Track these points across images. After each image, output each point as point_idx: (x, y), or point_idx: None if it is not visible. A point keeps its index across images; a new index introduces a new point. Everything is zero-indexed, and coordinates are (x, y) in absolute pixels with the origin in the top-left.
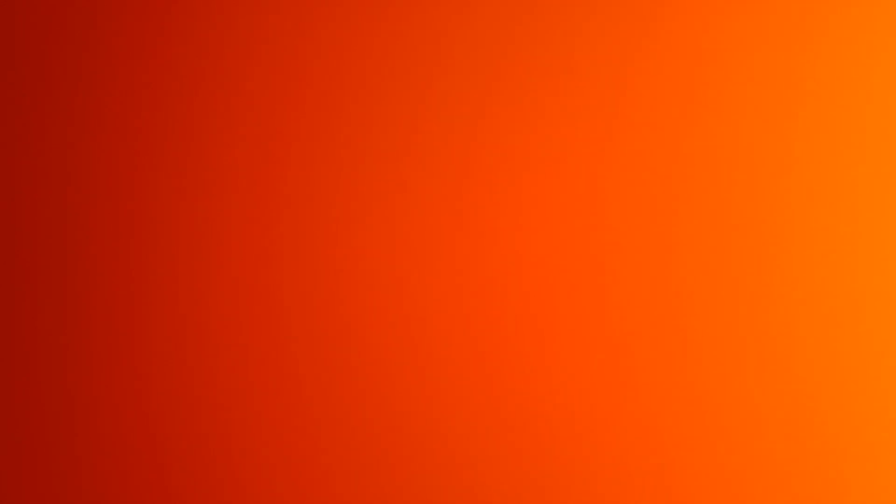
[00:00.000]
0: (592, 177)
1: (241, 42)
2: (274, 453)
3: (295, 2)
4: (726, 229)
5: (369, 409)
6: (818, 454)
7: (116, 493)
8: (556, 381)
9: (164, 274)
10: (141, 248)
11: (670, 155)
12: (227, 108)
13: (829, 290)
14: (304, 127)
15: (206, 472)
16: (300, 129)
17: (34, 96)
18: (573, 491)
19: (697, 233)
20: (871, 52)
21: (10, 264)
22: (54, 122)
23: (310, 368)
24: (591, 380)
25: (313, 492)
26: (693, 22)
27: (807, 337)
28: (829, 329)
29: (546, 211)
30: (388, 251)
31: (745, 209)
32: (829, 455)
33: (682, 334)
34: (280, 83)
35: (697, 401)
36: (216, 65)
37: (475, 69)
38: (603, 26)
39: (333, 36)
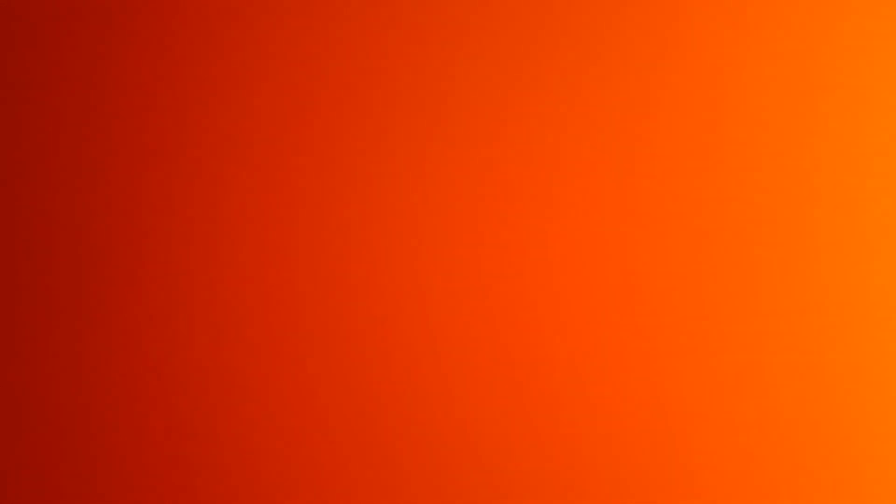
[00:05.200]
0: (604, 176)
1: (252, 38)
2: (280, 453)
3: (306, 1)
4: (739, 230)
5: (377, 410)
6: (831, 455)
7: (118, 493)
8: (569, 381)
9: (169, 274)
10: (144, 247)
11: (683, 155)
12: (236, 106)
13: (840, 292)
14: (313, 128)
15: (209, 473)
16: (309, 130)
17: (41, 96)
18: (584, 492)
19: (710, 233)
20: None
21: (13, 264)
22: (59, 123)
23: (319, 368)
24: (605, 381)
25: (321, 493)
26: (712, 25)
27: (821, 338)
28: (841, 330)
29: (558, 210)
30: (399, 251)
31: (760, 211)
32: (840, 456)
33: (694, 334)
34: (289, 84)
35: (708, 401)
36: (224, 61)
37: (488, 68)
38: (622, 27)
39: (344, 35)
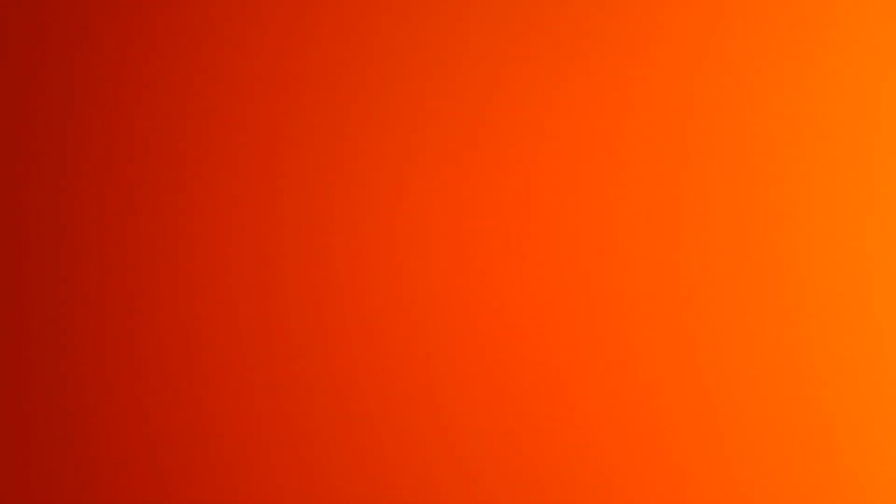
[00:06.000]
0: (596, 177)
1: (241, 40)
2: (274, 455)
3: (295, 1)
4: (729, 230)
5: (371, 411)
6: (824, 455)
7: (117, 493)
8: (560, 382)
9: (163, 274)
10: (139, 247)
11: (673, 155)
12: (226, 106)
13: (833, 291)
14: (302, 127)
15: (207, 474)
16: (298, 129)
17: (35, 96)
18: (579, 494)
19: (701, 234)
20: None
21: (9, 264)
22: (54, 122)
23: (311, 370)
24: (597, 382)
25: (315, 493)
26: (699, 22)
27: (811, 338)
28: (833, 330)
29: (549, 210)
30: (390, 252)
31: (749, 210)
32: (834, 456)
33: (686, 335)
34: (278, 83)
35: (702, 402)
36: (216, 63)
37: (477, 67)
38: (609, 24)
39: (333, 35)
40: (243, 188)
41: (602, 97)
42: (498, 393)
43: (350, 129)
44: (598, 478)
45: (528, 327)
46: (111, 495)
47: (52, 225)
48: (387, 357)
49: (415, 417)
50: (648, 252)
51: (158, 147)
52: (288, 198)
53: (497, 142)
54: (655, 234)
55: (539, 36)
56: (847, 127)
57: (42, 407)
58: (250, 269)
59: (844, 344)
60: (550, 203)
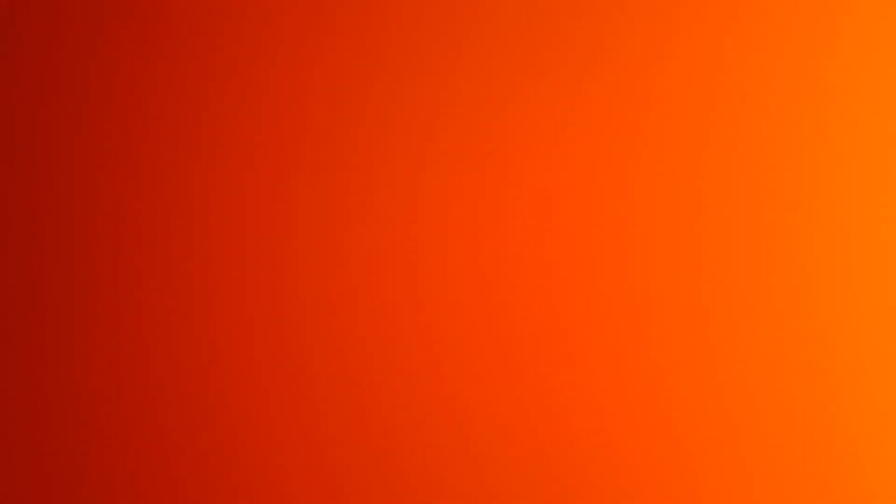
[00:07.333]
0: (610, 178)
1: (247, 40)
2: (278, 456)
3: (300, 1)
4: (736, 231)
5: (376, 412)
6: (826, 456)
7: (118, 494)
8: (565, 383)
9: (167, 275)
10: (144, 249)
11: (680, 156)
12: (233, 106)
13: (834, 292)
14: (309, 127)
15: (209, 475)
16: (304, 129)
17: (40, 96)
18: (582, 493)
19: (707, 234)
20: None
21: (14, 265)
22: (58, 123)
23: (316, 370)
24: (602, 383)
25: (318, 494)
26: (705, 24)
27: (814, 338)
28: (834, 331)
29: (556, 210)
30: (396, 252)
31: (756, 211)
32: (836, 457)
33: (689, 334)
34: (284, 83)
35: (702, 401)
36: (223, 61)
37: (485, 67)
38: (615, 25)
39: (339, 35)
40: (258, 190)
41: (618, 98)
42: (515, 395)
43: (366, 130)
44: (613, 478)
45: (545, 328)
46: (119, 496)
47: (61, 225)
48: (401, 358)
49: (430, 418)
50: (664, 253)
51: (172, 146)
52: (303, 199)
53: (512, 143)
54: (669, 234)
55: (555, 38)
56: (855, 128)
57: (50, 408)
58: (265, 272)
59: (856, 344)
60: (564, 204)
